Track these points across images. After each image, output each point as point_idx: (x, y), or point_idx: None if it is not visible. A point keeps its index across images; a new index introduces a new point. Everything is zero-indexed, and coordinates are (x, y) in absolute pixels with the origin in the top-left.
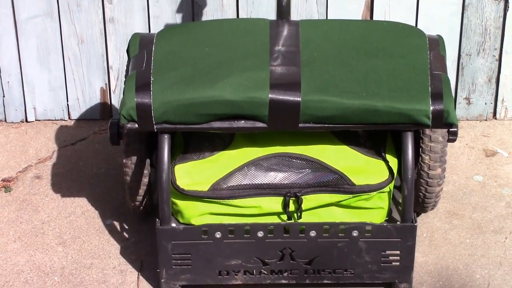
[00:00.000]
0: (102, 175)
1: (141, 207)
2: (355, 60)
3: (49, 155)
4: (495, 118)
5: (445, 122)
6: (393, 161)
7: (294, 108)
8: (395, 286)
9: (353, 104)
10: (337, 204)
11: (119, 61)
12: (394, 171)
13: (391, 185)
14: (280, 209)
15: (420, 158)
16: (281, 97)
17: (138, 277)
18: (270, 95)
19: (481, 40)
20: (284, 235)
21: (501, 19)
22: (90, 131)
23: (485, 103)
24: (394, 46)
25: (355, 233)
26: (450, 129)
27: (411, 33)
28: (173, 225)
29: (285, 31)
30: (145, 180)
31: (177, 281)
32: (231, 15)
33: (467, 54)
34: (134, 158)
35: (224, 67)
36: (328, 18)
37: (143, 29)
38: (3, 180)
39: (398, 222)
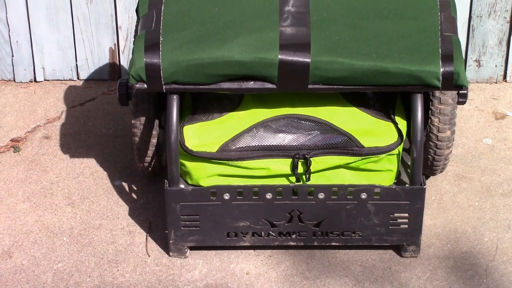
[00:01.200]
0: (111, 135)
1: (150, 168)
2: (365, 21)
3: (57, 115)
4: (505, 81)
5: (455, 84)
6: (402, 123)
7: (303, 69)
8: (403, 249)
9: (362, 65)
10: (346, 166)
11: (128, 21)
12: (403, 133)
13: (400, 148)
14: (288, 171)
15: (429, 120)
16: (290, 58)
17: (146, 238)
18: (279, 56)
19: (492, 1)
20: (293, 197)
21: None
22: (99, 92)
23: (496, 66)
24: (405, 7)
25: (363, 196)
26: (460, 91)
27: None
28: (182, 186)
29: None
30: (154, 141)
31: (185, 242)
32: None
33: (478, 16)
34: (142, 119)
35: (233, 27)
36: None
37: None
38: (12, 140)
39: (407, 185)
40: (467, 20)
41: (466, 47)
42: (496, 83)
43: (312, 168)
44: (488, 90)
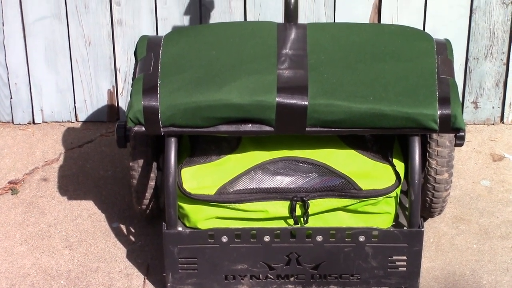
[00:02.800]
0: (109, 177)
1: (148, 211)
2: (362, 64)
3: (56, 157)
4: (503, 123)
5: (453, 127)
6: (400, 166)
7: (301, 111)
8: None
9: (360, 108)
10: (344, 209)
11: (126, 63)
12: (401, 176)
13: (398, 190)
14: (286, 214)
15: (427, 162)
16: (288, 100)
17: (144, 281)
18: (277, 99)
19: (488, 43)
20: (291, 239)
21: (509, 23)
22: (97, 133)
23: (493, 107)
24: (402, 50)
25: (361, 238)
26: (457, 134)
27: (419, 37)
28: (180, 229)
29: (293, 34)
30: (152, 183)
31: (183, 285)
32: (239, 17)
33: (474, 58)
34: (141, 161)
35: (231, 70)
36: (335, 21)
37: (150, 31)
38: (10, 183)
39: (405, 227)
40: (464, 62)
41: (463, 89)
42: (493, 124)
43: (310, 211)
44: (486, 132)
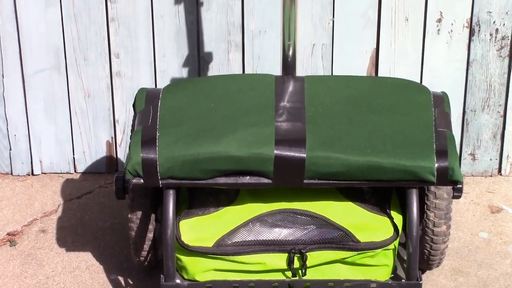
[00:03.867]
0: (108, 229)
1: (146, 262)
2: (360, 116)
3: (54, 208)
4: (500, 174)
5: (450, 180)
6: (398, 218)
7: (299, 164)
8: None
9: (358, 160)
10: (342, 261)
11: (125, 114)
12: (399, 228)
13: (396, 242)
14: (284, 266)
15: (425, 215)
16: (286, 153)
17: None
18: (275, 151)
19: (485, 96)
20: None
21: (506, 76)
22: (96, 185)
23: (490, 159)
24: (399, 102)
25: None
26: (455, 186)
27: (416, 90)
28: (178, 281)
29: (291, 87)
30: (150, 235)
31: None
32: (237, 69)
33: (472, 110)
34: (139, 213)
35: (229, 122)
36: (333, 73)
37: (149, 83)
38: (8, 234)
39: (403, 280)
40: (461, 114)
41: (460, 141)
42: (491, 176)
43: (308, 263)
44: (483, 184)
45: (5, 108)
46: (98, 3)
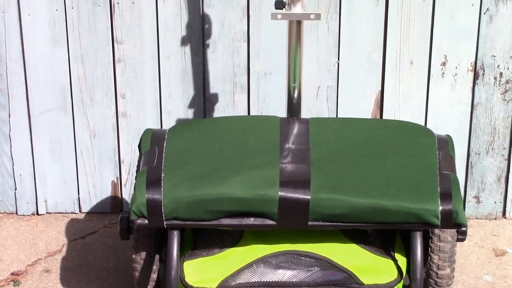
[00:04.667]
0: (112, 269)
1: None
2: (364, 159)
3: (58, 248)
4: (505, 217)
5: (454, 223)
6: (402, 260)
7: (303, 206)
8: None
9: (362, 203)
10: None
11: (130, 155)
12: (403, 270)
13: (400, 285)
14: None
15: (429, 257)
16: (290, 195)
17: None
18: (279, 193)
19: (490, 139)
20: None
21: (510, 119)
22: (100, 225)
23: (495, 202)
24: (403, 145)
25: None
26: (459, 229)
27: (420, 133)
28: None
29: (295, 129)
30: (154, 276)
31: None
32: (243, 110)
33: (476, 153)
34: (143, 254)
35: (234, 164)
36: (338, 115)
37: (155, 124)
38: (12, 274)
39: None
40: (466, 157)
41: (465, 184)
42: (495, 219)
43: None
44: (488, 227)
45: (11, 147)
46: (105, 44)
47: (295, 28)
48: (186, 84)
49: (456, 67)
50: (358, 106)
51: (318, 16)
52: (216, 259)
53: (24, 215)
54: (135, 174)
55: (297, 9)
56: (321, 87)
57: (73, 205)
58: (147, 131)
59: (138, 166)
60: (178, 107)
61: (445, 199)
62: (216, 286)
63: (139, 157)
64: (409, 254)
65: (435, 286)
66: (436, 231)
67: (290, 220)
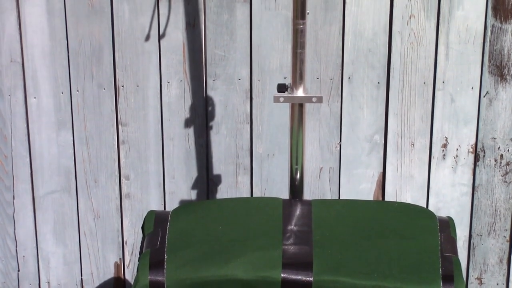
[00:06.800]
0: None
1: None
2: (366, 241)
3: None
4: None
5: None
6: None
7: None
8: None
9: (364, 284)
10: None
11: (134, 236)
12: None
13: None
14: None
15: None
16: (293, 276)
17: None
18: (282, 275)
19: (491, 221)
20: None
21: (511, 201)
22: None
23: (497, 284)
24: (405, 227)
25: None
26: None
27: (422, 215)
28: None
29: (298, 211)
30: None
31: None
32: (245, 192)
33: (478, 234)
34: None
35: (237, 246)
36: (340, 196)
37: (158, 205)
38: None
39: None
40: (468, 238)
41: (467, 265)
42: None
43: None
44: None
45: (14, 229)
46: (109, 126)
47: (297, 110)
48: (189, 165)
49: (457, 149)
50: (360, 187)
51: (320, 99)
52: None
53: None
54: (138, 256)
55: (299, 92)
56: (323, 169)
57: (76, 287)
58: (151, 213)
59: (141, 248)
60: (181, 188)
61: (447, 281)
62: None
63: (142, 238)
64: None
65: None
66: None
67: None
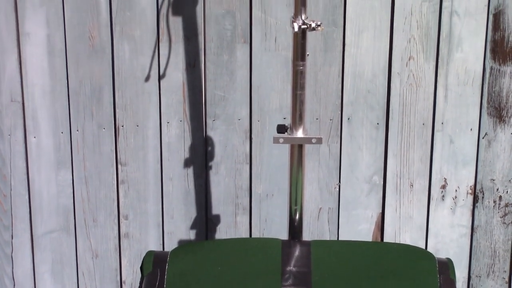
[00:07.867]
0: None
1: None
2: (365, 282)
3: None
4: None
5: None
6: None
7: None
8: None
9: None
10: None
11: (132, 275)
12: None
13: None
14: None
15: None
16: None
17: None
18: None
19: (490, 262)
20: None
21: (510, 242)
22: None
23: None
24: (404, 269)
25: None
26: None
27: (421, 256)
28: None
29: (297, 251)
30: None
31: None
32: (244, 232)
33: (477, 276)
34: None
35: (236, 286)
36: (339, 236)
37: (157, 244)
38: None
39: None
40: (467, 280)
41: None
42: None
43: None
44: None
45: (12, 268)
46: (108, 166)
47: (297, 151)
48: (188, 205)
49: (456, 190)
50: (359, 228)
51: (319, 140)
52: None
53: None
54: None
55: (299, 133)
56: (322, 209)
57: None
58: (149, 253)
59: None
60: (180, 228)
61: None
62: None
63: (141, 279)
64: None
65: None
66: None
67: None
